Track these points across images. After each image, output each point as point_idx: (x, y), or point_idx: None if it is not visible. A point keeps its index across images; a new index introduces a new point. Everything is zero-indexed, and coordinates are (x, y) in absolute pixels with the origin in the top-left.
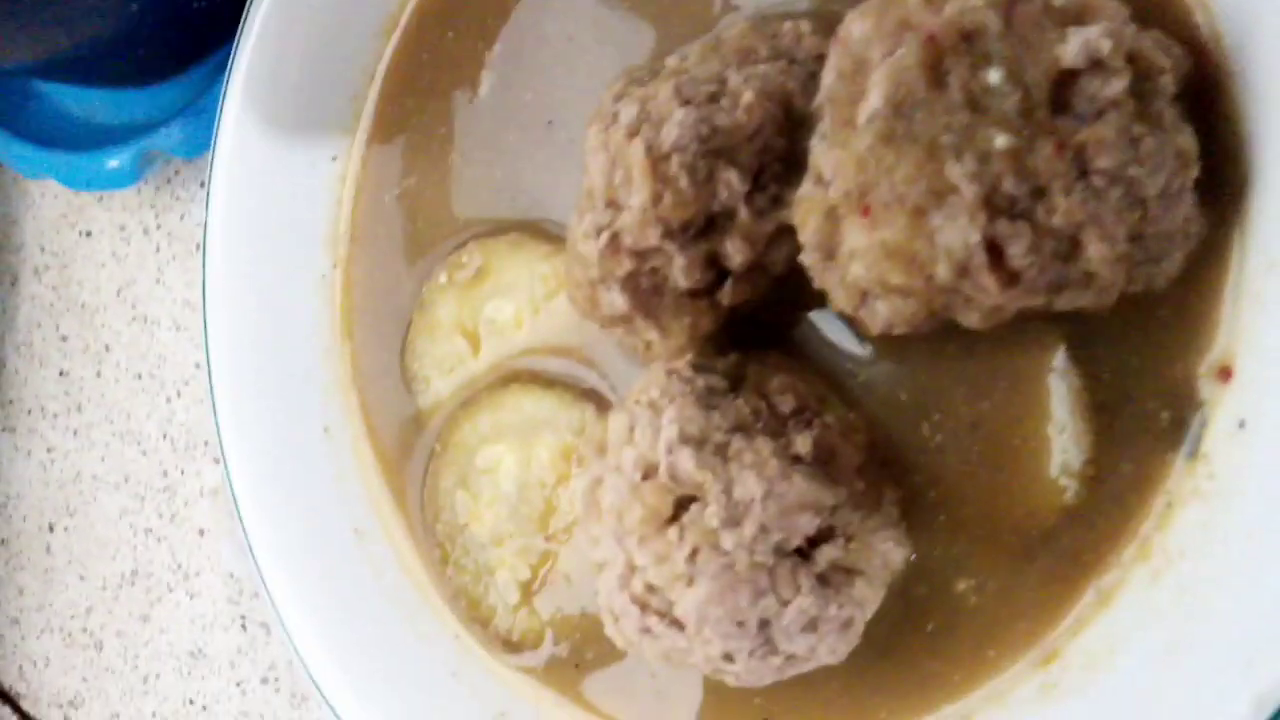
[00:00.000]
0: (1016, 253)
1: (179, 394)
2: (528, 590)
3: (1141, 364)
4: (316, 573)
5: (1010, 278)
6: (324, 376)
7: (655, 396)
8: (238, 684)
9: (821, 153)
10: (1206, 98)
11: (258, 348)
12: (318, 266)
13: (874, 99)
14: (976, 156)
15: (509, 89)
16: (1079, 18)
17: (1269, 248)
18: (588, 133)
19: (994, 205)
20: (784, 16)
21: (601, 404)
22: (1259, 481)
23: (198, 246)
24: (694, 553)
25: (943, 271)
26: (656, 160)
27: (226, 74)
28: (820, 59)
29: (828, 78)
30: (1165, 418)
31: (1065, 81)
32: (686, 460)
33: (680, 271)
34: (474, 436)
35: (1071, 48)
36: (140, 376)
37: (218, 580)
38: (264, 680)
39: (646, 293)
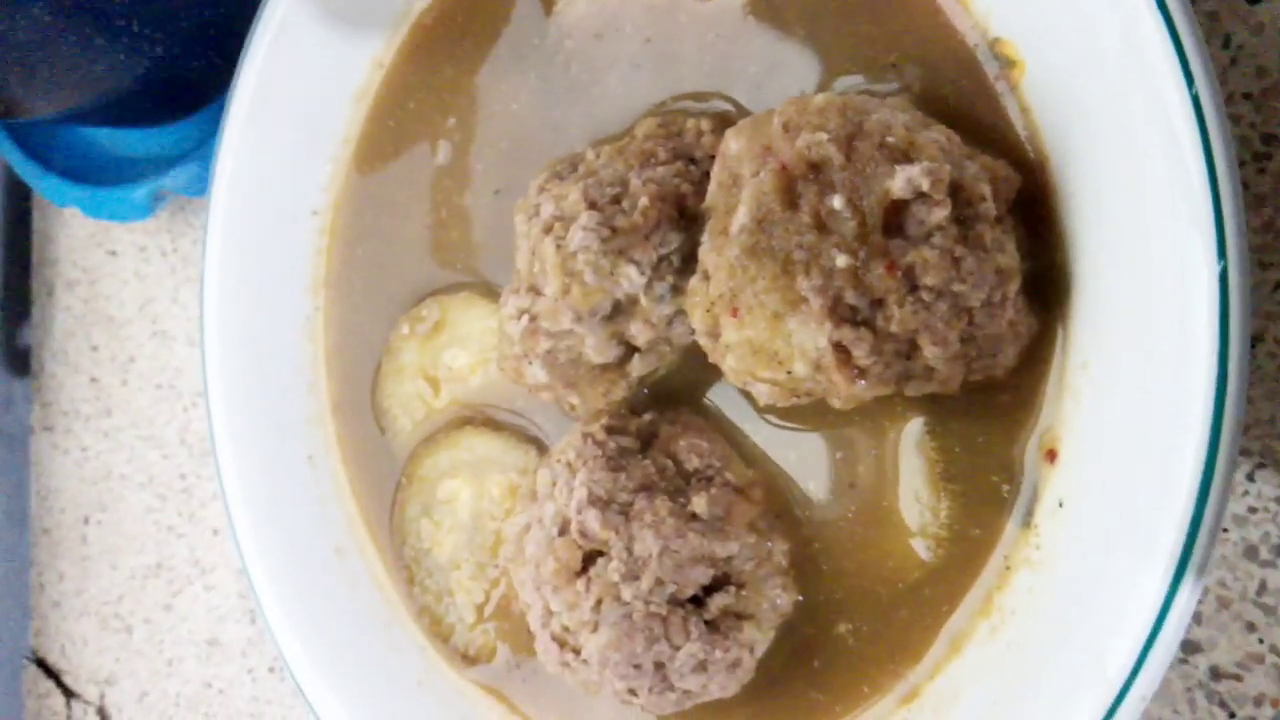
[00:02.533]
0: (861, 354)
1: (194, 404)
2: (481, 611)
3: (987, 441)
4: (301, 586)
5: (858, 373)
6: (308, 409)
7: (571, 458)
8: (249, 671)
9: (705, 252)
10: (1038, 210)
11: (250, 381)
12: (303, 309)
13: (741, 214)
14: (822, 272)
15: (462, 157)
16: (906, 155)
17: (1083, 347)
18: (516, 219)
19: (838, 314)
20: (689, 114)
21: (542, 448)
22: (1075, 555)
23: None
24: (598, 602)
25: (800, 368)
26: (565, 257)
27: (219, 139)
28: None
29: (711, 185)
30: (1005, 490)
31: (897, 208)
32: (593, 520)
33: (592, 349)
34: (435, 471)
35: (898, 182)
36: (160, 386)
37: (230, 576)
38: (270, 669)
39: (564, 366)
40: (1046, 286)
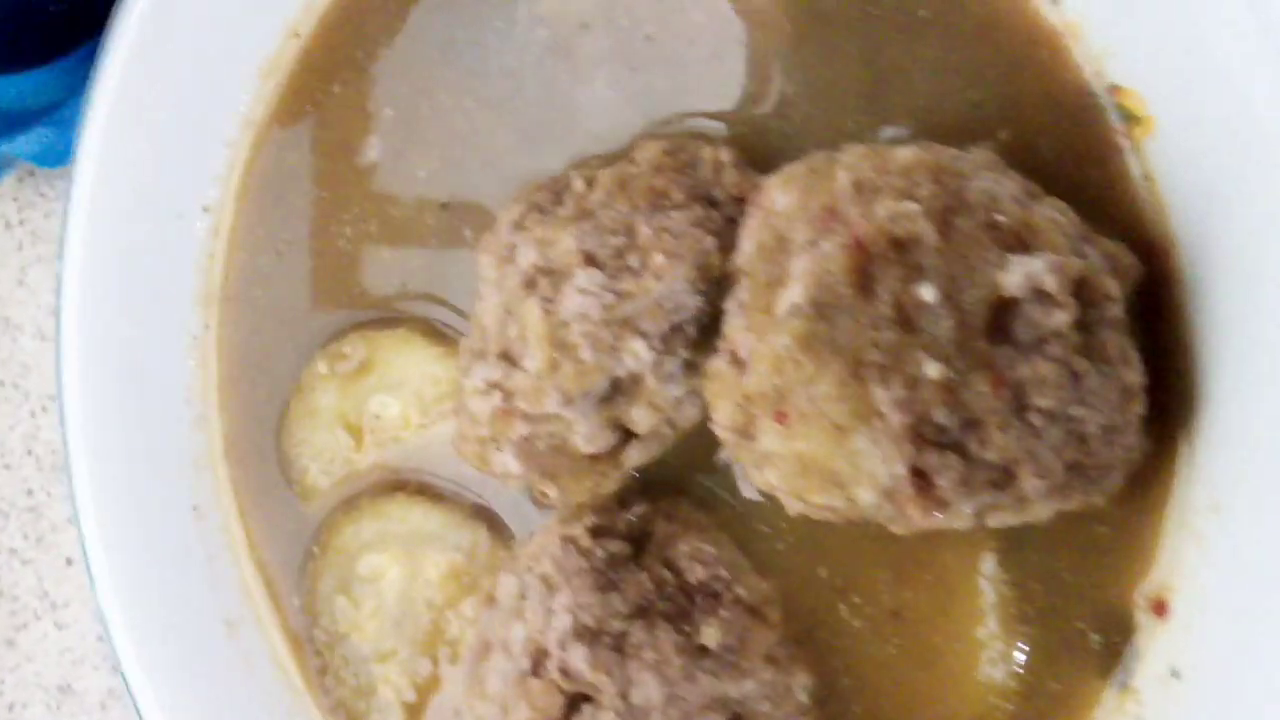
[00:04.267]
0: (945, 484)
1: (44, 409)
2: (413, 713)
3: (1075, 580)
4: (182, 663)
5: (938, 504)
6: (195, 448)
7: (549, 571)
8: None
9: (737, 328)
10: (1156, 305)
11: (123, 410)
12: (189, 326)
13: (795, 293)
14: (905, 382)
15: (400, 159)
16: (1021, 240)
17: (1215, 485)
18: (480, 259)
19: (922, 435)
20: (703, 138)
21: (494, 524)
22: None
23: None
24: None
25: (865, 495)
26: (555, 326)
27: (85, 102)
28: (741, 202)
29: (746, 244)
30: (1096, 640)
31: (1006, 306)
32: (580, 658)
33: (581, 438)
34: (355, 542)
35: (1014, 278)
36: (2, 384)
37: (87, 615)
38: None
39: (543, 454)
40: (1163, 398)
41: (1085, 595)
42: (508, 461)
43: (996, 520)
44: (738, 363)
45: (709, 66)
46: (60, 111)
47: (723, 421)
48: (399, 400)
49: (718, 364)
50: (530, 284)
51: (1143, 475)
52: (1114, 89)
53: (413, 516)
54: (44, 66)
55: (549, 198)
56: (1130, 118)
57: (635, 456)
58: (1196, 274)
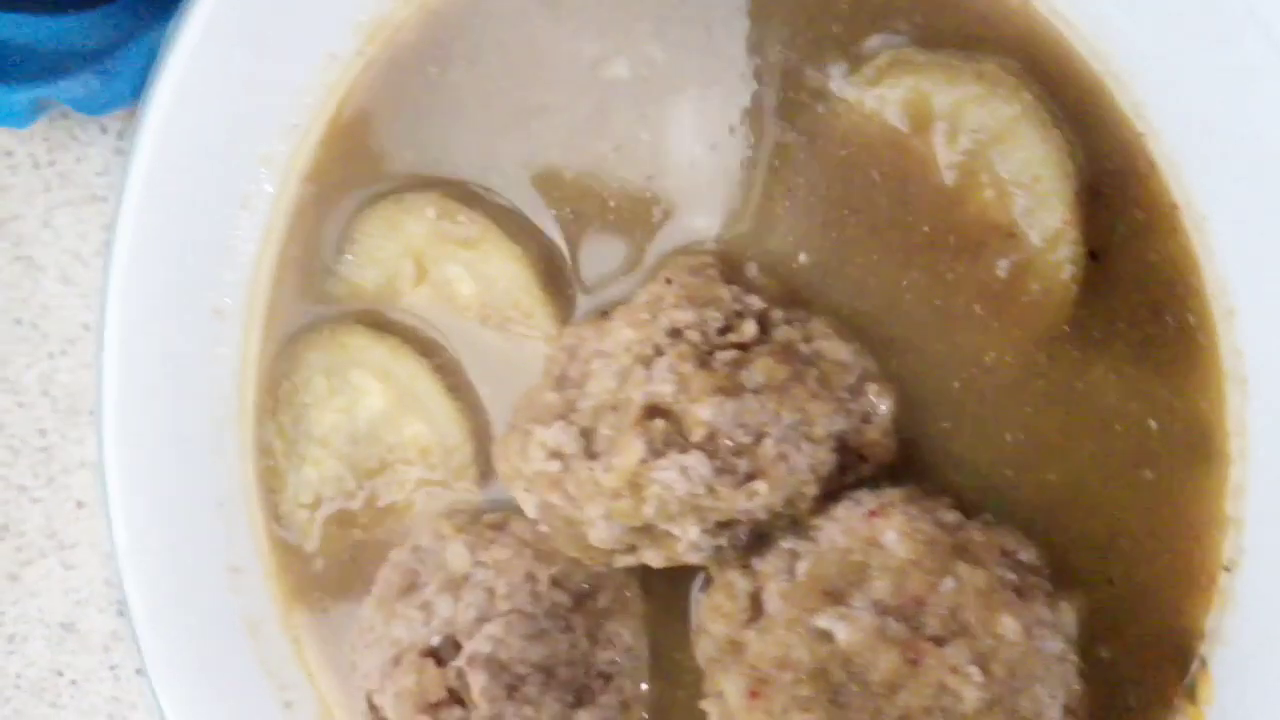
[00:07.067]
0: None
1: (64, 352)
2: (318, 502)
3: None
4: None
5: None
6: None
7: (497, 587)
8: (111, 668)
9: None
10: None
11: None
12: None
13: None
14: None
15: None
16: None
17: None
18: (619, 320)
19: None
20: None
21: (482, 450)
22: None
23: (95, 196)
24: None
25: None
26: (642, 474)
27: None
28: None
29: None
30: None
31: None
32: (478, 679)
33: (595, 537)
34: (362, 353)
35: None
36: (20, 322)
37: (95, 558)
38: (139, 672)
39: (558, 519)
40: None
41: None
42: (527, 502)
43: None
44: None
45: None
46: (108, 60)
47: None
48: (476, 287)
49: (729, 634)
50: (650, 414)
51: None
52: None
53: (422, 384)
54: (88, 10)
55: (717, 316)
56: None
57: (626, 562)
58: None
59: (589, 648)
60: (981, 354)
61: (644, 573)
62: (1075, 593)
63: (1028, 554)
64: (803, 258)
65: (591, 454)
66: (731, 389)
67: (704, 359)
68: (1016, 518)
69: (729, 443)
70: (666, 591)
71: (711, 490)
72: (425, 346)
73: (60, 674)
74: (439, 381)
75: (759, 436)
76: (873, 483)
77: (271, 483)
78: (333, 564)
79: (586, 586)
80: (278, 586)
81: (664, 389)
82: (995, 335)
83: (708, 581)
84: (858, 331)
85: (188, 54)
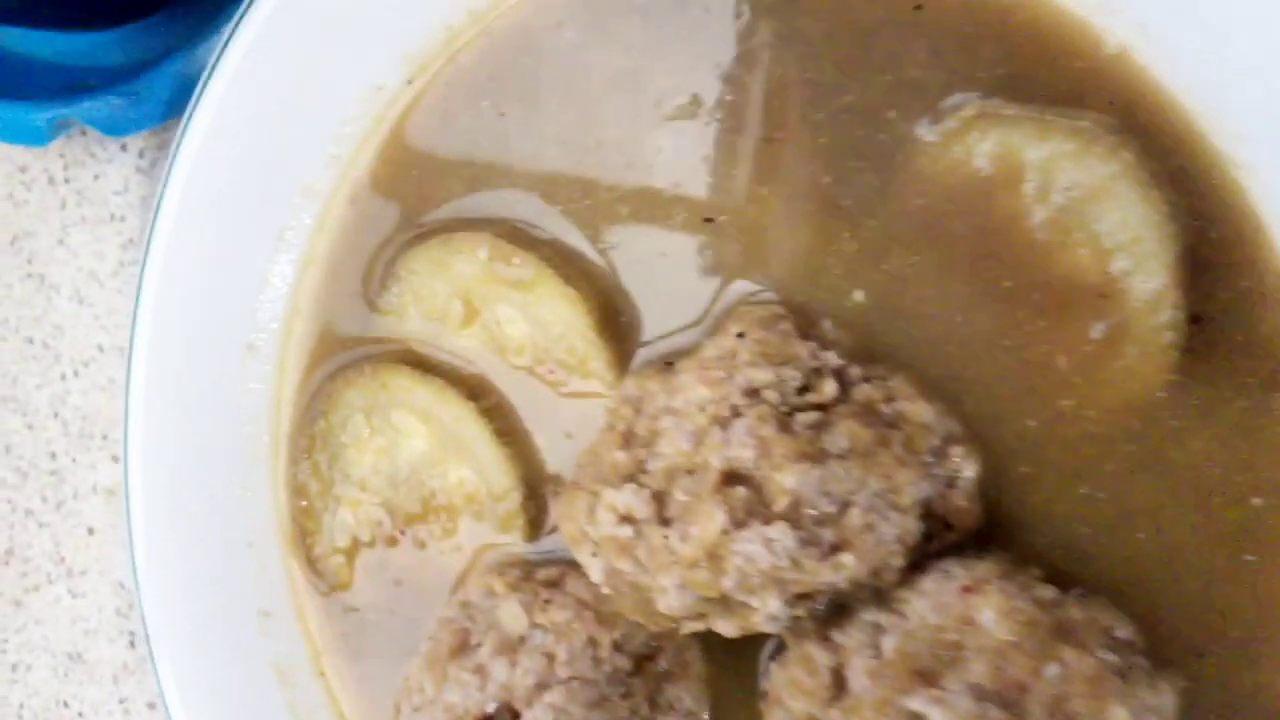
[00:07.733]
0: None
1: (76, 373)
2: (355, 546)
3: None
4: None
5: None
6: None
7: (558, 653)
8: (120, 701)
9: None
10: None
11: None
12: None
13: None
14: None
15: None
16: None
17: None
18: (692, 376)
19: None
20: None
21: (532, 498)
22: None
23: (112, 215)
24: None
25: None
26: (722, 541)
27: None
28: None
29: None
30: None
31: None
32: None
33: (664, 605)
34: (404, 395)
35: None
36: (32, 341)
37: (106, 586)
38: (151, 705)
39: (625, 585)
40: None
41: None
42: (594, 566)
43: None
44: None
45: None
46: (134, 82)
47: None
48: (529, 330)
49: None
50: (729, 480)
51: None
52: None
53: (468, 427)
54: (114, 28)
55: (795, 375)
56: None
57: (693, 628)
58: None
59: (649, 714)
60: (1061, 402)
61: (706, 634)
62: (1171, 671)
63: (1125, 630)
64: (874, 309)
65: (664, 519)
66: (815, 455)
67: (784, 421)
68: (1104, 586)
69: (813, 512)
70: (729, 654)
71: (795, 563)
72: (472, 389)
73: (66, 705)
74: (486, 425)
75: (844, 506)
76: (956, 549)
77: (305, 524)
78: (369, 611)
79: (647, 650)
80: (310, 633)
81: (744, 454)
82: (1080, 391)
83: (779, 648)
84: (936, 388)
85: (227, 80)
